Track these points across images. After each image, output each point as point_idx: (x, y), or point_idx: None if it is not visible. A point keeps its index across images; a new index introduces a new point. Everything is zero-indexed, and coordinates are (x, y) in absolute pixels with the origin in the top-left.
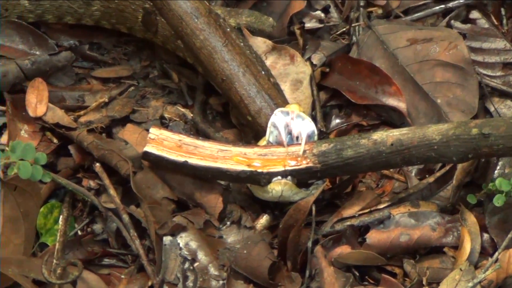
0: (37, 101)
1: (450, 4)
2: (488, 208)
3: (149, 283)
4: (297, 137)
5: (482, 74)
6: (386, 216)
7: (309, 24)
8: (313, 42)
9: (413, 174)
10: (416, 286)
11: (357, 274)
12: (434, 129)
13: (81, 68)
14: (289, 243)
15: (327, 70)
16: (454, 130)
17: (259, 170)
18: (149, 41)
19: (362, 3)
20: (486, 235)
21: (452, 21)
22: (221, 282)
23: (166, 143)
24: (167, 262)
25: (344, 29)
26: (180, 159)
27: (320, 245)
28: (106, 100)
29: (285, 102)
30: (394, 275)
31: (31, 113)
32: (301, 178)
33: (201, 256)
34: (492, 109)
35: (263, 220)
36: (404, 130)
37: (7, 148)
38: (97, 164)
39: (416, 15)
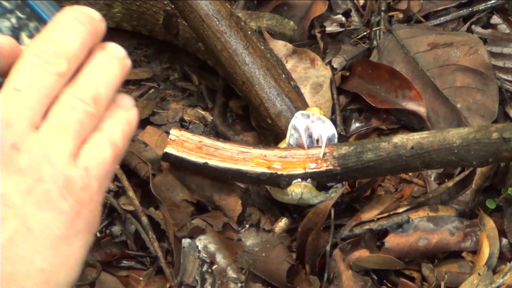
0: None
1: (472, 9)
2: (507, 213)
3: (167, 285)
4: (317, 140)
5: (503, 79)
6: (405, 220)
7: (330, 28)
8: (333, 46)
9: (432, 178)
10: None
11: (375, 278)
12: (454, 133)
13: None
14: (307, 246)
15: (347, 74)
16: (475, 134)
17: (279, 172)
18: (170, 44)
19: (383, 8)
20: (504, 240)
21: (473, 26)
22: (239, 285)
23: (187, 145)
24: (185, 265)
25: (365, 33)
26: (200, 160)
27: (338, 248)
28: None
29: (305, 105)
30: (412, 279)
31: None
32: (321, 180)
33: (219, 258)
34: None
35: (282, 223)
36: (424, 134)
37: None
38: (117, 166)
39: (437, 20)
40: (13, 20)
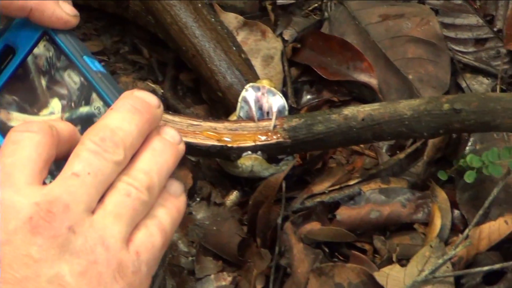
0: None
1: None
2: (459, 185)
3: None
4: (268, 113)
5: (455, 50)
6: (357, 192)
7: (281, 0)
8: (284, 17)
9: (383, 150)
10: (386, 263)
11: (327, 250)
12: (405, 104)
13: None
14: (258, 219)
15: (299, 46)
16: (426, 106)
17: (229, 145)
18: (120, 17)
19: None
20: (456, 212)
21: None
22: (190, 258)
23: None
24: None
25: (316, 4)
26: None
27: (290, 221)
28: None
29: (256, 78)
30: (364, 251)
31: None
32: (272, 153)
33: None
34: (464, 85)
35: (233, 196)
36: (375, 106)
37: None
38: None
39: None
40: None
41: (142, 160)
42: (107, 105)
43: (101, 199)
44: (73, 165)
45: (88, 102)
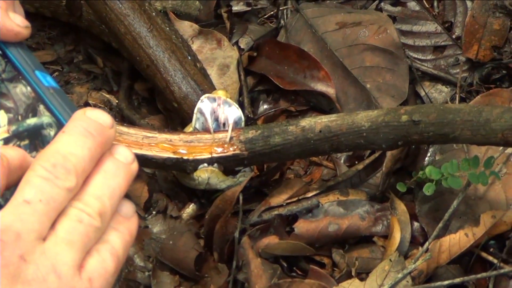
0: None
1: None
2: (419, 196)
3: None
4: (224, 124)
5: (413, 58)
6: (315, 204)
7: (237, 7)
8: (240, 25)
9: (342, 161)
10: (345, 277)
11: (285, 265)
12: (363, 116)
13: None
14: (215, 233)
15: (255, 54)
16: (384, 117)
17: (185, 157)
18: (74, 26)
19: None
20: (416, 224)
21: (382, 4)
22: (146, 273)
23: None
24: None
25: (272, 12)
26: None
27: (247, 235)
28: None
29: (211, 88)
30: (323, 265)
31: None
32: (228, 165)
33: None
34: (422, 93)
35: (189, 209)
36: (332, 117)
37: None
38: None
39: None
40: None
41: (94, 184)
42: (59, 122)
43: (53, 225)
44: (24, 192)
45: (35, 115)
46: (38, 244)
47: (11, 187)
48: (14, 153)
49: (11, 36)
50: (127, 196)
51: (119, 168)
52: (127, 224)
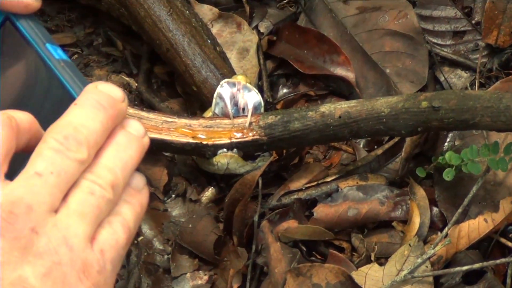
0: None
1: None
2: (438, 182)
3: None
4: (243, 109)
5: (432, 43)
6: (334, 189)
7: None
8: (260, 10)
9: (361, 145)
10: (364, 262)
11: (304, 249)
12: (383, 102)
13: None
14: (235, 217)
15: (274, 38)
16: (404, 103)
17: (204, 142)
18: (93, 8)
19: None
20: (435, 209)
21: None
22: (165, 256)
23: None
24: None
25: None
26: None
27: (266, 219)
28: None
29: (231, 72)
30: (342, 250)
31: None
32: (247, 150)
33: (145, 229)
34: (442, 78)
35: (209, 193)
36: (352, 103)
37: None
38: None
39: None
40: None
41: (106, 156)
42: (70, 96)
43: (64, 197)
44: (36, 164)
45: (48, 91)
46: (49, 217)
47: (19, 151)
48: (23, 116)
49: (20, 8)
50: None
51: (131, 141)
52: (138, 197)
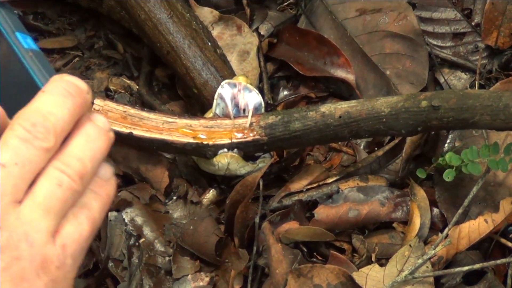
0: None
1: None
2: (438, 183)
3: (94, 259)
4: (244, 110)
5: (432, 45)
6: (335, 190)
7: None
8: (260, 12)
9: (361, 147)
10: (365, 263)
11: (305, 250)
12: (383, 102)
13: None
14: (236, 219)
15: (275, 41)
16: (404, 103)
17: (205, 142)
18: (94, 11)
19: None
20: (436, 210)
21: None
22: (167, 258)
23: (111, 114)
24: (112, 238)
25: None
26: (125, 130)
27: (267, 221)
28: None
29: (231, 74)
30: (342, 251)
31: None
32: (248, 150)
33: (147, 231)
34: (442, 80)
35: (210, 194)
36: (352, 103)
37: None
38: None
39: None
40: None
41: (76, 145)
42: (36, 86)
43: (31, 185)
44: (1, 154)
45: (17, 80)
46: (13, 208)
47: None
48: None
49: None
50: (147, 180)
51: (100, 133)
52: (106, 187)
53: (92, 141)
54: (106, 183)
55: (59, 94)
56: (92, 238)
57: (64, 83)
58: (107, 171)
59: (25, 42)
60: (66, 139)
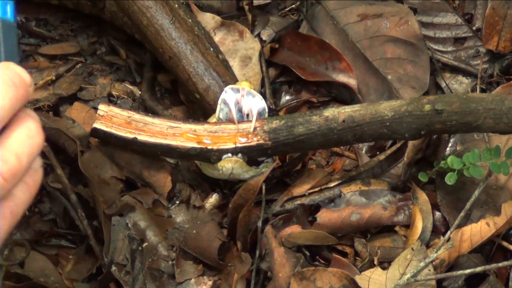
0: None
1: None
2: (440, 186)
3: (97, 264)
4: (248, 114)
5: (434, 50)
6: (337, 194)
7: (258, 0)
8: (262, 17)
9: (363, 151)
10: (367, 266)
11: (308, 254)
12: (386, 106)
13: (27, 45)
14: (239, 223)
15: (277, 46)
16: (407, 107)
17: (209, 147)
18: (97, 17)
19: None
20: (438, 214)
21: None
22: (170, 262)
23: (115, 120)
24: (115, 243)
25: (293, 5)
26: (129, 135)
27: (270, 224)
28: (53, 77)
29: (233, 79)
30: (345, 254)
31: None
32: (252, 155)
33: (150, 236)
34: (443, 84)
35: (212, 199)
36: (356, 107)
37: None
38: (44, 143)
39: None
40: None
41: (16, 139)
42: None
43: None
44: None
45: None
46: None
47: None
48: None
49: None
50: (150, 185)
51: (39, 129)
52: (35, 177)
53: (32, 136)
54: (36, 173)
55: (3, 83)
56: (11, 231)
57: (9, 72)
58: (37, 162)
59: (2, 10)
60: (3, 129)
